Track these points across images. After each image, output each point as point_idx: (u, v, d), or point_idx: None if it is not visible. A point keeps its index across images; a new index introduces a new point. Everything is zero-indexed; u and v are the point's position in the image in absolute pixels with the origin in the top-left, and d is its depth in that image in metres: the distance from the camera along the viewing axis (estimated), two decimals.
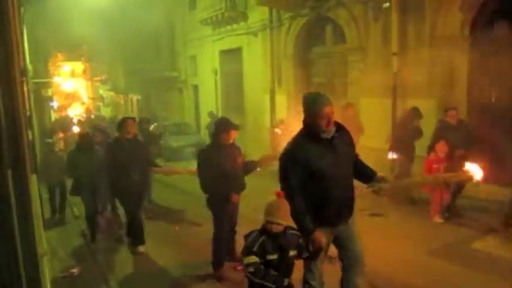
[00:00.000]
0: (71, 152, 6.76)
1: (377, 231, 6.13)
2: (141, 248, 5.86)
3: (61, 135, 16.51)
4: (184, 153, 13.96)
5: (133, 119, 6.23)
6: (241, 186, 4.91)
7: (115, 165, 5.63)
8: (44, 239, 5.59)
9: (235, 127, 4.83)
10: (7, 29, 1.94)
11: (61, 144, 16.23)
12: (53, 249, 6.29)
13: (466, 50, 7.29)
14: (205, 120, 15.84)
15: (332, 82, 10.71)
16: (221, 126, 4.78)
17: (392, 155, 7.20)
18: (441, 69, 7.55)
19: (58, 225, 7.65)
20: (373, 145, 8.07)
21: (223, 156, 4.65)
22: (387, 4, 8.26)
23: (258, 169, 5.10)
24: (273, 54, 12.16)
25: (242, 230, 4.85)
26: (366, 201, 7.51)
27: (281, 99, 12.11)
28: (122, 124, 5.91)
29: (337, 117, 6.14)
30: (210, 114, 14.71)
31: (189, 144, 14.07)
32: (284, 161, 3.26)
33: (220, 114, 15.26)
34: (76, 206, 7.96)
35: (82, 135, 6.95)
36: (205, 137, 15.21)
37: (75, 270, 5.46)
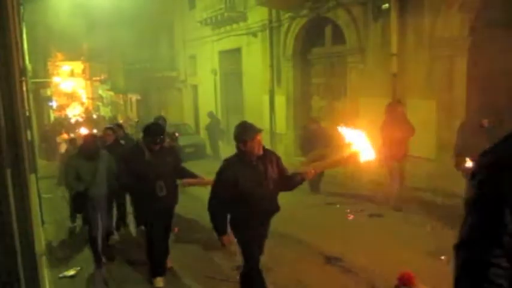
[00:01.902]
0: (72, 159, 5.57)
1: (376, 232, 6.15)
2: (159, 282, 4.78)
3: (65, 136, 16.22)
4: (184, 154, 13.95)
5: (163, 130, 4.91)
6: (272, 209, 3.88)
7: (132, 179, 4.65)
8: (43, 239, 5.59)
9: (259, 130, 3.72)
10: (6, 28, 1.95)
11: (64, 147, 15.86)
12: (52, 249, 6.28)
13: (466, 51, 7.29)
14: (204, 120, 15.83)
15: (331, 83, 10.71)
16: (243, 135, 3.65)
17: (469, 164, 5.79)
18: (440, 70, 7.55)
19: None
20: None
21: (250, 173, 3.67)
22: (387, 5, 8.26)
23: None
24: (273, 54, 12.14)
25: None
26: (365, 201, 7.57)
27: (280, 100, 12.11)
28: (149, 131, 4.69)
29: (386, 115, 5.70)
30: (210, 114, 14.70)
31: (188, 145, 14.06)
32: (483, 195, 1.32)
33: (219, 115, 15.26)
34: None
35: (87, 138, 5.76)
36: (204, 137, 15.21)
37: (74, 271, 5.45)
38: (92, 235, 5.45)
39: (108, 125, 8.79)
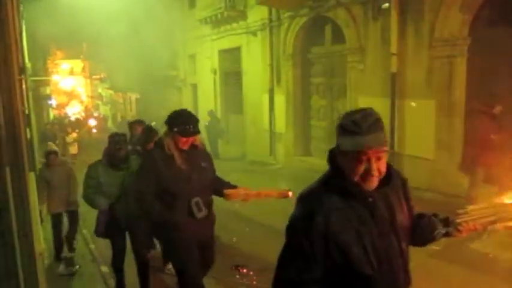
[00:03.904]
0: (96, 167, 4.23)
1: None
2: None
3: (74, 134, 15.89)
4: None
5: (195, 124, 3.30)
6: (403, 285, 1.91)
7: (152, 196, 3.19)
8: (42, 237, 5.59)
9: (380, 143, 1.74)
10: (6, 26, 1.94)
11: (74, 148, 15.56)
12: (50, 247, 6.27)
13: (465, 50, 7.30)
14: (203, 119, 15.81)
15: (331, 82, 10.72)
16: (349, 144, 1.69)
17: None
18: (440, 70, 7.55)
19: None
20: None
21: (362, 222, 1.71)
22: (387, 4, 8.26)
23: None
24: (272, 53, 12.14)
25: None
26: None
27: (280, 99, 12.11)
28: (180, 117, 3.30)
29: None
30: (210, 113, 14.69)
31: None
32: None
33: (219, 114, 15.24)
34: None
35: (113, 137, 4.27)
36: (204, 136, 15.19)
37: (72, 269, 5.44)
38: (116, 266, 4.39)
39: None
